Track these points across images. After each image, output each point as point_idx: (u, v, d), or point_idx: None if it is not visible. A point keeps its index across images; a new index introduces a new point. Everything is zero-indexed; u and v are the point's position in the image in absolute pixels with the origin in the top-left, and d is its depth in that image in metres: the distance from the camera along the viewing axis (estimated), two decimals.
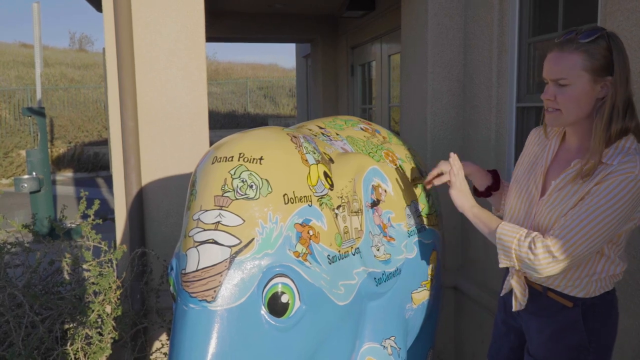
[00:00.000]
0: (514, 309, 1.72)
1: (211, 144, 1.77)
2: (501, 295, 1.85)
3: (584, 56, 1.49)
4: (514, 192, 1.77)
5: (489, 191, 1.97)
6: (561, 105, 1.54)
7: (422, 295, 2.06)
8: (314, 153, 1.64)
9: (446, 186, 1.88)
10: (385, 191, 1.89)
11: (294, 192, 1.52)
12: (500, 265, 1.63)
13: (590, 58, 1.48)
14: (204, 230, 1.44)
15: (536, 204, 1.66)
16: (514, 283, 1.70)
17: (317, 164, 1.62)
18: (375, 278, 1.78)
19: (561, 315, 1.64)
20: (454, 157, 1.84)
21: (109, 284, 2.59)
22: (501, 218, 1.76)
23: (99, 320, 2.56)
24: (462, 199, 1.78)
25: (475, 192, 1.99)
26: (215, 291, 1.38)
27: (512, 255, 1.57)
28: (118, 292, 2.65)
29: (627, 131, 1.51)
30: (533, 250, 1.51)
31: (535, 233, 1.55)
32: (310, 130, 1.99)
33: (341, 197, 1.68)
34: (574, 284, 1.61)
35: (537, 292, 1.69)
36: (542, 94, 1.58)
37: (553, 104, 1.56)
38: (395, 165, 2.07)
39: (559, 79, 1.52)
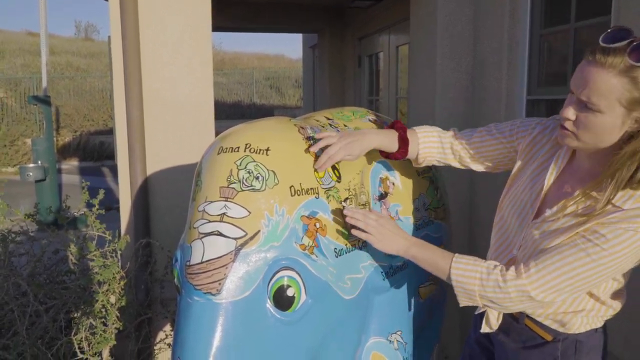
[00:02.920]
0: (481, 331, 1.56)
1: (217, 134, 1.74)
2: (476, 313, 1.64)
3: (627, 85, 1.17)
4: (509, 199, 1.54)
5: (399, 155, 1.68)
6: (580, 131, 1.27)
7: (429, 290, 2.04)
8: None
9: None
10: (394, 184, 1.87)
11: (300, 184, 1.50)
12: (461, 305, 1.45)
13: (633, 88, 1.17)
14: (209, 221, 1.42)
15: (528, 223, 1.44)
16: None
17: None
18: (382, 272, 1.75)
19: (537, 350, 1.46)
20: (352, 212, 1.53)
21: (113, 274, 2.57)
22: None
23: (103, 310, 2.55)
24: (390, 244, 1.51)
25: (387, 156, 1.71)
26: (220, 284, 1.36)
27: (476, 297, 1.39)
28: (122, 283, 2.63)
29: None
30: (503, 289, 1.33)
31: (499, 267, 1.36)
32: (317, 121, 1.96)
33: (349, 190, 1.65)
34: (555, 317, 1.43)
35: (513, 318, 1.51)
36: (562, 108, 1.30)
37: (570, 125, 1.29)
38: None
39: (587, 102, 1.23)
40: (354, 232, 1.53)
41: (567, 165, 1.43)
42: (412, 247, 1.50)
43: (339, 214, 1.59)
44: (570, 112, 1.27)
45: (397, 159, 1.69)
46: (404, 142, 1.65)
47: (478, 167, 1.70)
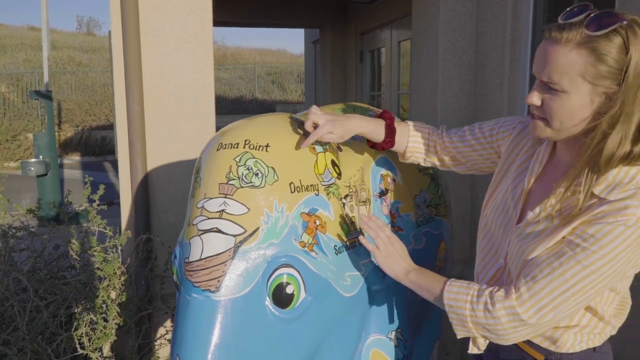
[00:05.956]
0: (469, 351, 1.39)
1: (218, 129, 1.74)
2: (469, 352, 1.46)
3: (588, 57, 1.08)
4: (491, 203, 1.43)
5: (386, 145, 1.62)
6: (548, 116, 1.18)
7: None
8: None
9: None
10: (394, 180, 1.86)
11: (300, 180, 1.48)
12: (458, 337, 1.31)
13: (596, 61, 1.08)
14: (208, 218, 1.41)
15: (512, 228, 1.31)
16: None
17: (324, 152, 1.58)
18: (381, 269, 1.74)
19: None
20: (368, 220, 1.49)
21: (114, 269, 2.57)
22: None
23: (104, 305, 2.55)
24: (392, 265, 1.45)
25: (373, 145, 1.66)
26: (218, 281, 1.36)
27: (469, 324, 1.24)
28: (123, 278, 2.63)
29: (631, 157, 1.11)
30: (492, 313, 1.19)
31: (490, 289, 1.23)
32: None
33: (349, 186, 1.64)
34: (544, 333, 1.28)
35: None
36: (527, 95, 1.21)
37: (538, 111, 1.20)
38: None
39: (548, 82, 1.15)
40: (361, 239, 1.50)
41: (549, 161, 1.32)
42: (412, 272, 1.43)
43: (340, 211, 1.58)
44: (534, 97, 1.19)
45: (384, 148, 1.63)
46: (390, 131, 1.59)
47: (460, 169, 1.64)
